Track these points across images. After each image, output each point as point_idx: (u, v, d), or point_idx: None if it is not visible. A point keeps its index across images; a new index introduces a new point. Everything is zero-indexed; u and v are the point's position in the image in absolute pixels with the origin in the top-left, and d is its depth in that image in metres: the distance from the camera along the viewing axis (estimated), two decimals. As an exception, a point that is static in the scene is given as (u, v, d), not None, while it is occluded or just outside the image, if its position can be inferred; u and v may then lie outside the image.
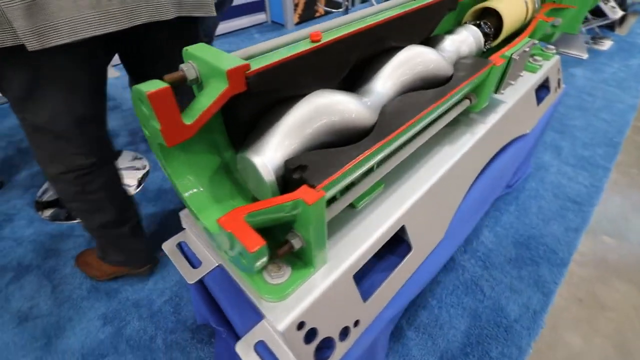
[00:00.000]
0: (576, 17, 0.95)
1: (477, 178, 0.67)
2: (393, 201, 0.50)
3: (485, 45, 0.67)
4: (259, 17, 2.65)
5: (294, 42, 0.38)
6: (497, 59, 0.57)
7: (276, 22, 2.68)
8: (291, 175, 0.35)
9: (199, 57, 0.33)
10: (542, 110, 0.87)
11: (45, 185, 1.17)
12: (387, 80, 0.47)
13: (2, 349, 0.77)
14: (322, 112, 0.38)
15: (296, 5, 2.57)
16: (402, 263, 0.49)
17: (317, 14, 2.72)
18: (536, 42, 0.66)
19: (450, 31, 0.63)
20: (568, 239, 0.98)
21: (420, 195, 0.51)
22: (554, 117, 1.47)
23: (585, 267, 0.92)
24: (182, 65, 0.34)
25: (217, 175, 0.41)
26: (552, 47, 0.91)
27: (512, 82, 0.67)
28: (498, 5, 0.68)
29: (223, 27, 2.42)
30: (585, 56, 1.95)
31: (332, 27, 0.42)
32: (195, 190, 0.38)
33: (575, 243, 0.97)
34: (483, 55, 0.68)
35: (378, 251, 0.53)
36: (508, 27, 0.68)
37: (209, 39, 1.33)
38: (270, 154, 0.36)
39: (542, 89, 0.91)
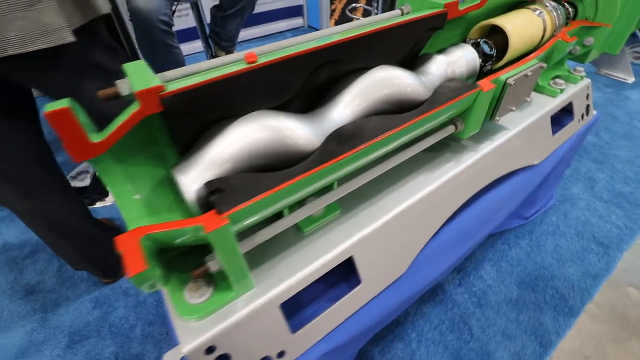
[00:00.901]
0: (618, 36, 0.84)
1: (463, 209, 0.62)
2: (344, 229, 0.47)
3: (485, 66, 0.61)
4: (296, 22, 2.70)
5: (234, 62, 0.38)
6: (486, 84, 0.52)
7: (312, 27, 2.71)
8: (207, 198, 0.34)
9: (129, 74, 0.33)
10: (560, 141, 0.78)
11: (72, 173, 1.29)
12: (342, 103, 0.45)
13: (7, 315, 0.86)
14: (255, 133, 0.37)
15: (333, 11, 2.57)
16: (346, 296, 0.47)
17: (354, 20, 2.71)
18: (544, 65, 0.59)
19: (441, 50, 0.58)
20: (584, 285, 0.86)
21: (377, 225, 0.48)
22: (593, 145, 1.31)
23: (599, 321, 0.80)
24: (117, 81, 0.35)
25: (158, 188, 0.42)
26: (581, 68, 0.81)
27: (513, 108, 0.61)
28: (504, 22, 0.62)
29: (259, 30, 2.50)
30: (631, 80, 1.72)
31: (285, 47, 0.41)
32: (130, 198, 0.39)
33: (592, 292, 0.85)
34: (482, 77, 0.62)
35: (333, 279, 0.51)
36: (515, 47, 0.62)
37: (230, 43, 1.37)
38: (195, 173, 0.36)
39: (566, 116, 0.81)
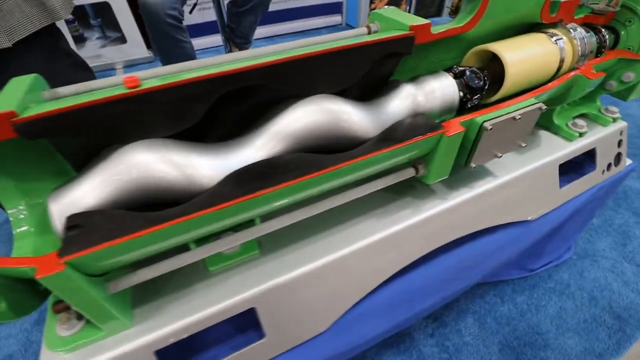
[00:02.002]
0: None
1: (421, 263, 0.53)
2: (252, 275, 0.42)
3: (472, 100, 0.51)
4: (334, 19, 2.62)
5: (113, 85, 0.34)
6: (454, 126, 0.43)
7: (350, 25, 2.62)
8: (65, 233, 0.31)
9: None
10: (571, 194, 0.65)
11: None
12: (257, 136, 0.39)
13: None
14: (131, 167, 0.33)
15: (372, 10, 2.45)
16: (244, 350, 0.42)
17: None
18: (543, 107, 0.47)
19: (414, 78, 0.50)
20: (583, 365, 0.73)
21: (295, 275, 0.42)
22: (638, 192, 1.10)
23: (592, 414, 0.67)
24: None
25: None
26: (616, 109, 0.66)
27: (499, 155, 0.50)
28: (502, 48, 0.51)
29: (294, 25, 2.46)
30: None
31: (188, 69, 0.36)
32: (20, 216, 0.38)
33: (591, 376, 0.71)
34: (466, 112, 0.52)
35: (241, 323, 0.46)
36: (514, 79, 0.51)
37: (244, 40, 1.35)
38: (68, 200, 0.33)
39: (588, 163, 0.67)
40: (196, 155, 0.37)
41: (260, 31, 2.30)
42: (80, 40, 1.89)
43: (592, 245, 0.96)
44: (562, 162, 0.60)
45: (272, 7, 2.41)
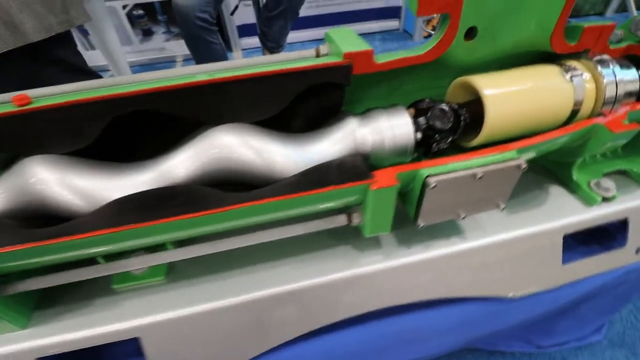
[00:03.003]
0: None
1: (349, 325, 0.46)
2: (145, 302, 0.40)
3: (439, 143, 0.42)
4: (391, 24, 2.50)
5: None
6: (384, 178, 0.35)
7: (407, 32, 2.47)
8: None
9: None
10: (580, 273, 0.50)
11: None
12: (156, 162, 0.36)
13: None
14: (38, 182, 0.33)
15: (432, 17, 2.27)
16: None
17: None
18: (523, 164, 0.36)
19: (366, 111, 0.42)
20: None
21: (186, 312, 0.39)
22: None
23: None
24: None
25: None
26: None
27: (462, 215, 0.41)
28: (484, 83, 0.40)
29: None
30: None
31: (84, 89, 0.35)
32: None
33: None
34: (430, 155, 0.43)
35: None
36: (496, 122, 0.40)
37: (275, 44, 1.35)
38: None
39: (618, 236, 0.52)
40: (91, 174, 0.36)
41: (311, 33, 2.30)
42: (148, 33, 2.10)
43: (635, 332, 0.75)
44: (570, 232, 0.47)
45: (327, 10, 2.39)
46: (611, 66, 0.42)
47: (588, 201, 0.48)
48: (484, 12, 0.41)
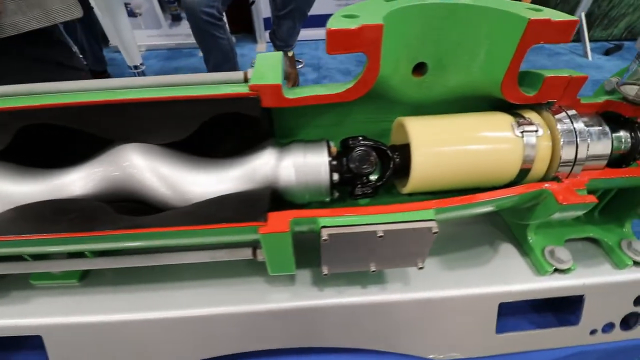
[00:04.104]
0: None
1: None
2: (54, 302, 0.41)
3: (364, 188, 0.39)
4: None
5: None
6: (276, 223, 0.33)
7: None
8: None
9: None
10: (516, 346, 0.44)
11: None
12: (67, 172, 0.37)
13: None
14: None
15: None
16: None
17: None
18: (434, 230, 0.32)
19: (291, 143, 0.40)
20: None
21: (86, 320, 0.40)
22: None
23: None
24: None
25: None
26: (644, 248, 0.43)
27: (373, 269, 0.37)
28: (416, 127, 0.36)
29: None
30: None
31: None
32: None
33: None
34: (355, 198, 0.39)
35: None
36: (427, 171, 0.36)
37: (283, 44, 1.33)
38: None
39: (573, 312, 0.45)
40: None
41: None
42: (177, 19, 2.16)
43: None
44: (507, 301, 0.42)
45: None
46: (574, 124, 0.36)
47: (538, 269, 0.43)
48: (429, 48, 0.36)
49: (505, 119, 0.38)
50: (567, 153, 0.36)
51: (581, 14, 1.92)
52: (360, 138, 0.40)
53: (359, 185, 0.39)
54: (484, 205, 0.36)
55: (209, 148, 0.43)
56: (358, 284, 0.42)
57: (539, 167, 0.37)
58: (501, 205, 0.38)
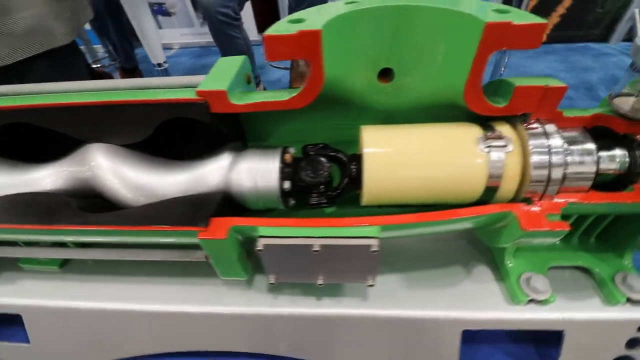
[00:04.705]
0: None
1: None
2: (34, 285, 0.45)
3: (321, 198, 0.37)
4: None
5: None
6: (218, 229, 0.33)
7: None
8: None
9: None
10: None
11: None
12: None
13: None
14: None
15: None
16: (4, 343, 0.45)
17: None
18: (374, 248, 0.30)
19: (249, 147, 0.39)
20: None
21: (57, 304, 0.43)
22: None
23: None
24: None
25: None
26: (637, 281, 0.37)
27: (320, 282, 0.36)
28: (371, 136, 0.34)
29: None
30: None
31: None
32: None
33: None
34: (311, 208, 0.38)
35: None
36: (380, 183, 0.34)
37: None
38: None
39: (552, 347, 0.41)
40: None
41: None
42: (207, 18, 2.24)
43: None
44: (473, 329, 0.38)
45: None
46: (550, 139, 0.32)
47: (512, 298, 0.39)
48: (392, 53, 0.34)
49: (472, 131, 0.34)
50: (538, 172, 0.32)
51: (635, 11, 1.71)
52: (321, 146, 0.39)
53: (315, 195, 0.38)
54: (436, 225, 0.33)
55: (176, 150, 0.44)
56: (313, 295, 0.41)
57: (508, 186, 0.33)
58: (461, 225, 0.35)
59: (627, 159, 0.34)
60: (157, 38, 1.33)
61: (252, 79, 0.43)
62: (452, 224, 0.33)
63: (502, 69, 1.34)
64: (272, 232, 0.32)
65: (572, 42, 1.78)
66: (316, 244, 0.31)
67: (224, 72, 0.36)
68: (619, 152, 0.34)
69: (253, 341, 0.42)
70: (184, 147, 0.45)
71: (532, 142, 0.32)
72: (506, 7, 0.30)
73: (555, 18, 1.72)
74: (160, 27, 2.19)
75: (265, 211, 0.41)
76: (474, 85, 0.31)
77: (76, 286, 0.46)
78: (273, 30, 0.29)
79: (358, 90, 0.37)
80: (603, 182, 0.37)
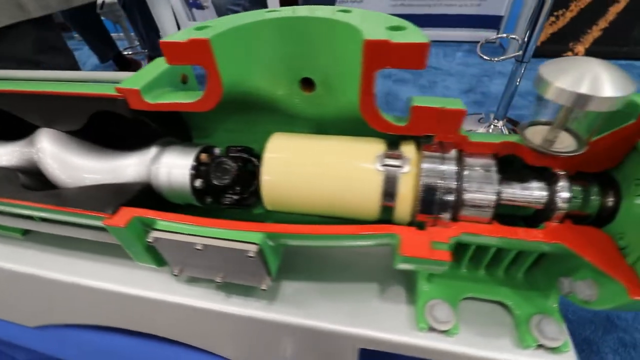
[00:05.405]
0: None
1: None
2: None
3: (229, 198, 0.39)
4: (486, 35, 2.14)
5: None
6: (121, 218, 0.35)
7: (502, 47, 2.09)
8: None
9: None
10: None
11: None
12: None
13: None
14: None
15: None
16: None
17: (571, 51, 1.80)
18: (251, 253, 0.31)
19: (172, 144, 0.41)
20: None
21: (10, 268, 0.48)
22: None
23: None
24: None
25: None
26: (562, 336, 0.34)
27: (219, 279, 0.37)
28: (275, 142, 0.35)
29: (428, 33, 2.16)
30: None
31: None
32: None
33: None
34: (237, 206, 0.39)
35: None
36: (276, 192, 0.34)
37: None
38: None
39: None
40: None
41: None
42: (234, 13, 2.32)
43: None
44: (366, 347, 0.38)
45: (412, 10, 2.17)
46: (444, 165, 0.31)
47: (416, 322, 0.37)
48: (307, 63, 0.35)
49: (375, 148, 0.34)
50: (426, 196, 0.30)
51: None
52: (240, 148, 0.40)
53: (228, 195, 0.39)
54: (321, 239, 0.33)
55: (123, 142, 0.47)
56: (213, 289, 0.42)
57: (402, 208, 0.32)
58: (355, 242, 0.34)
59: (545, 194, 0.32)
60: (174, 30, 1.41)
61: (194, 78, 0.45)
62: (340, 240, 0.33)
63: (518, 80, 1.26)
64: (164, 227, 0.34)
65: (614, 58, 1.61)
66: (199, 242, 0.32)
67: (149, 71, 0.38)
68: (536, 186, 0.32)
69: (159, 325, 0.45)
70: (129, 139, 0.48)
71: (424, 166, 0.31)
72: (404, 23, 0.29)
73: (596, 32, 1.57)
74: (194, 19, 2.30)
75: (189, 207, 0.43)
76: (366, 102, 0.31)
77: (30, 254, 0.50)
78: (172, 36, 0.31)
79: (282, 99, 0.38)
80: (524, 216, 0.35)
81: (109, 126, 0.45)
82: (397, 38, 0.26)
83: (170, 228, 0.33)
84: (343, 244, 0.35)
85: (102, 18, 1.73)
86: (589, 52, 1.63)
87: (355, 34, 0.28)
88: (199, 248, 0.32)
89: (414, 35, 0.27)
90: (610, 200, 0.31)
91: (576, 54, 1.67)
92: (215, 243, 0.32)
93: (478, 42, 2.17)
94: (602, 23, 1.55)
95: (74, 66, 0.94)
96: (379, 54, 0.27)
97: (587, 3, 1.50)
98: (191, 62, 0.31)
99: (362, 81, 0.29)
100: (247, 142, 0.42)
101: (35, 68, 0.70)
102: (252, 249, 0.31)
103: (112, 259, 0.48)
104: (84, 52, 2.41)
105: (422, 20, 2.11)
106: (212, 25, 0.32)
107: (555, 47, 1.67)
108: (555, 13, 1.57)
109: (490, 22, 2.07)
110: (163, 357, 0.47)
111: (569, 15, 1.54)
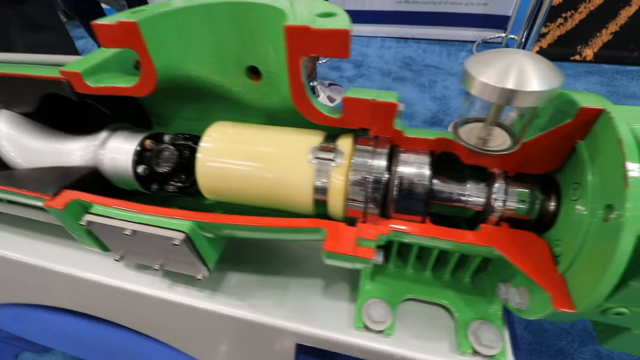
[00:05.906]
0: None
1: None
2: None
3: (171, 185, 0.38)
4: (492, 35, 2.09)
5: None
6: (60, 200, 0.35)
7: (508, 47, 2.03)
8: None
9: None
10: None
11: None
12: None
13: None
14: None
15: (543, 34, 1.77)
16: None
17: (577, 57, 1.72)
18: (177, 242, 0.30)
19: (120, 128, 0.41)
20: None
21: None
22: None
23: None
24: None
25: None
26: (497, 345, 0.33)
27: (157, 266, 0.37)
28: (215, 131, 0.34)
29: (436, 32, 2.12)
30: None
31: None
32: None
33: None
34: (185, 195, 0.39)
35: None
36: (208, 178, 0.34)
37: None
38: None
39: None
40: None
41: (395, 30, 2.13)
42: None
43: None
44: (303, 343, 0.37)
45: (417, 7, 2.12)
46: (374, 160, 0.29)
47: (354, 321, 0.37)
48: (248, 52, 0.34)
49: (311, 140, 0.33)
50: (354, 191, 0.30)
51: None
52: (187, 136, 0.40)
53: (172, 182, 0.39)
54: (250, 230, 0.32)
55: (82, 125, 0.47)
56: (159, 277, 0.42)
57: (334, 202, 0.32)
58: (281, 235, 0.33)
59: (480, 195, 0.31)
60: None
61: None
62: (269, 232, 0.32)
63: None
64: (97, 211, 0.34)
65: (623, 64, 1.55)
66: (128, 227, 0.32)
67: (95, 55, 0.38)
68: (469, 186, 0.31)
69: (109, 309, 0.45)
70: (84, 124, 0.48)
71: (355, 160, 0.30)
72: (335, 9, 0.28)
73: (606, 35, 1.51)
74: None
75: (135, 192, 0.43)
76: (296, 91, 0.30)
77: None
78: (105, 18, 0.30)
79: (232, 87, 0.38)
80: (467, 217, 0.33)
81: (66, 110, 0.45)
82: (319, 24, 0.26)
83: (103, 212, 0.33)
84: (273, 236, 0.34)
85: (106, 7, 1.75)
86: (598, 56, 1.56)
87: (282, 20, 0.27)
88: (128, 234, 0.32)
89: (338, 22, 0.26)
90: (551, 205, 0.30)
91: (584, 58, 1.62)
92: (143, 229, 0.32)
93: (487, 42, 2.13)
94: (613, 27, 1.49)
95: (64, 45, 0.96)
96: (299, 40, 0.26)
97: (596, 5, 1.44)
98: (122, 44, 0.31)
99: (289, 69, 0.28)
100: (203, 130, 0.41)
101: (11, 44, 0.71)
102: (178, 236, 0.31)
103: (69, 242, 0.48)
104: (89, 41, 2.44)
105: (427, 19, 2.07)
106: (146, 9, 0.32)
107: (562, 50, 1.61)
108: (563, 15, 1.51)
109: (498, 22, 2.02)
110: (115, 341, 0.47)
111: (577, 17, 1.48)
